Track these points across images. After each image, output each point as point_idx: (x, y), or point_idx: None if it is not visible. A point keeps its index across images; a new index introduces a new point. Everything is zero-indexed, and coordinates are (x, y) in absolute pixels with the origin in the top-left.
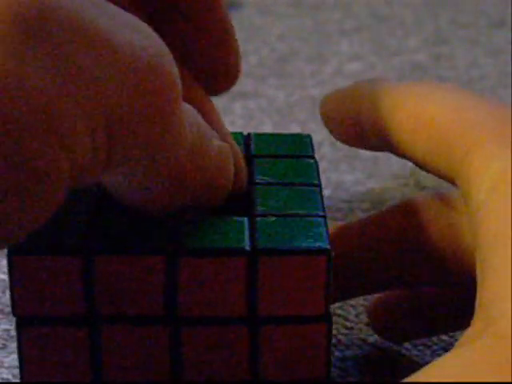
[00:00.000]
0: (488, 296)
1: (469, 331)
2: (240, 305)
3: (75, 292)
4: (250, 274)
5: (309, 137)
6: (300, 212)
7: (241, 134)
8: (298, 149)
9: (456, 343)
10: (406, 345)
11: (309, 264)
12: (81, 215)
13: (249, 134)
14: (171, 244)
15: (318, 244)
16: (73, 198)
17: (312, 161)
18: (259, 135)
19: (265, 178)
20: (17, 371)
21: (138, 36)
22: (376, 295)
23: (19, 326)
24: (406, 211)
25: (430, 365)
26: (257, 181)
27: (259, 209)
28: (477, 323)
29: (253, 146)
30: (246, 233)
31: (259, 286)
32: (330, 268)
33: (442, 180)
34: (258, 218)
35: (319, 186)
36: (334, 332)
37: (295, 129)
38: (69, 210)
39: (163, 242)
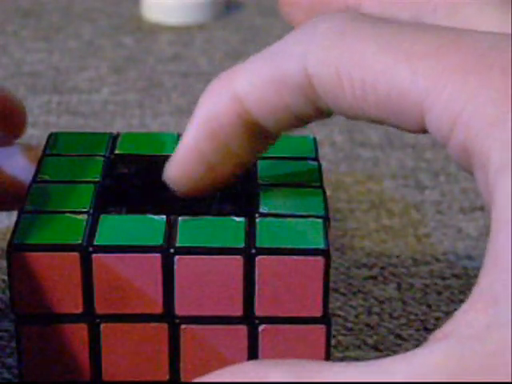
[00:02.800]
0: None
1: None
2: (237, 304)
3: (74, 289)
4: (247, 274)
5: (313, 139)
6: (300, 213)
7: None
8: (301, 151)
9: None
10: (406, 345)
11: (307, 265)
12: (79, 213)
13: None
14: (168, 242)
15: (316, 245)
16: (72, 195)
17: (316, 163)
18: None
19: (268, 179)
20: (17, 371)
21: None
22: None
23: (18, 324)
24: None
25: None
26: (260, 182)
27: (260, 209)
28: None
29: None
30: (244, 232)
31: (256, 285)
32: (328, 269)
33: (441, 180)
34: (258, 219)
35: (322, 188)
36: (334, 333)
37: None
38: (68, 207)
39: (160, 240)
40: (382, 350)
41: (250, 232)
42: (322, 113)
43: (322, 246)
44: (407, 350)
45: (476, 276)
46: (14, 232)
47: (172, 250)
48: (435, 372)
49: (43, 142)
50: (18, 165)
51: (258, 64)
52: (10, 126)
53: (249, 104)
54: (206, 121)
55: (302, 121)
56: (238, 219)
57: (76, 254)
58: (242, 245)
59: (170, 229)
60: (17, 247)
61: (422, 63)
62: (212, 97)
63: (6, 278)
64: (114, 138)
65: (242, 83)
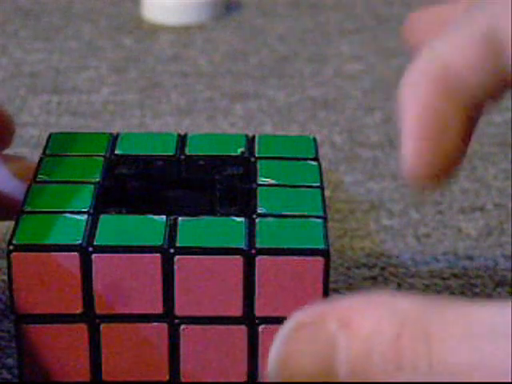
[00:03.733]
0: None
1: None
2: (237, 305)
3: (74, 289)
4: (247, 274)
5: (313, 139)
6: (299, 213)
7: (245, 135)
8: (301, 151)
9: None
10: None
11: (306, 265)
12: (79, 213)
13: (253, 136)
14: (168, 242)
15: (316, 245)
16: (72, 195)
17: (315, 163)
18: (263, 137)
19: (268, 179)
20: (17, 371)
21: None
22: None
23: (18, 324)
24: None
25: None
26: (259, 182)
27: (260, 209)
28: None
29: (257, 148)
30: (244, 233)
31: (256, 285)
32: (328, 269)
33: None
34: (258, 219)
35: (321, 188)
36: None
37: (295, 129)
38: (67, 207)
39: (160, 241)
40: None
41: (250, 232)
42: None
43: (321, 246)
44: None
45: (476, 276)
46: (13, 232)
47: (172, 250)
48: None
49: (43, 142)
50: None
51: (454, 32)
52: None
53: (450, 57)
54: (416, 87)
55: (497, 78)
56: (238, 219)
57: (76, 254)
58: (242, 245)
59: (170, 229)
60: (16, 247)
61: None
62: (417, 67)
63: (6, 278)
64: (114, 138)
65: (442, 45)
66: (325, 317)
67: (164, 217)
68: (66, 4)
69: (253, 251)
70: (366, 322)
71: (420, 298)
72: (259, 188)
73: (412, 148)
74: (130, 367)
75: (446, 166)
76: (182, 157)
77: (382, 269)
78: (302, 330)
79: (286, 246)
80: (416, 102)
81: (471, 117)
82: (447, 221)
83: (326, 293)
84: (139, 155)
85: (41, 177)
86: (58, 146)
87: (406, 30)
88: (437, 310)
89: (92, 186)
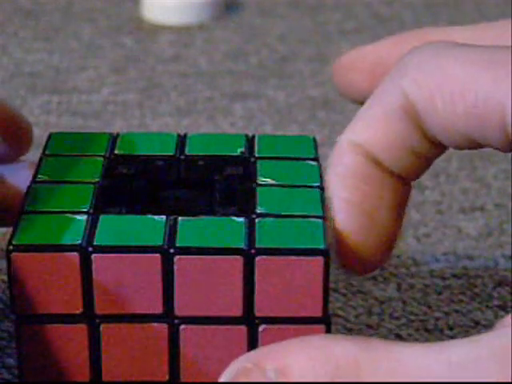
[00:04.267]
0: None
1: None
2: (237, 305)
3: (74, 290)
4: (246, 274)
5: (313, 139)
6: (299, 213)
7: (245, 135)
8: (301, 151)
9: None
10: None
11: (306, 265)
12: (79, 213)
13: (253, 136)
14: (168, 242)
15: (315, 245)
16: (71, 195)
17: (315, 163)
18: (263, 137)
19: (267, 179)
20: (17, 371)
21: None
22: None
23: (18, 324)
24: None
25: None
26: (259, 182)
27: (259, 209)
28: None
29: (256, 148)
30: (244, 233)
31: (256, 285)
32: (328, 269)
33: (441, 180)
34: (257, 219)
35: (321, 188)
36: (334, 333)
37: (295, 129)
38: (67, 207)
39: (160, 241)
40: None
41: (250, 232)
42: (433, 142)
43: (321, 246)
44: None
45: (476, 276)
46: (13, 232)
47: (172, 250)
48: (501, 353)
49: (43, 142)
50: (26, 180)
51: (367, 108)
52: (17, 143)
53: (370, 147)
54: (342, 176)
55: (419, 156)
56: (237, 219)
57: (75, 255)
58: (241, 245)
59: (170, 229)
60: (16, 248)
61: (503, 70)
62: (339, 154)
63: (5, 278)
64: (113, 138)
65: (359, 130)
66: (263, 364)
67: (164, 217)
68: (66, 4)
69: (252, 251)
70: (301, 369)
71: (353, 342)
72: (259, 188)
73: (345, 247)
74: (130, 367)
75: (380, 252)
76: (182, 157)
77: (382, 269)
78: (243, 377)
79: (285, 246)
80: (344, 200)
81: (399, 200)
82: (447, 221)
83: (326, 293)
84: (139, 155)
85: (40, 177)
86: (57, 145)
87: (335, 74)
88: (369, 356)
89: (92, 186)
